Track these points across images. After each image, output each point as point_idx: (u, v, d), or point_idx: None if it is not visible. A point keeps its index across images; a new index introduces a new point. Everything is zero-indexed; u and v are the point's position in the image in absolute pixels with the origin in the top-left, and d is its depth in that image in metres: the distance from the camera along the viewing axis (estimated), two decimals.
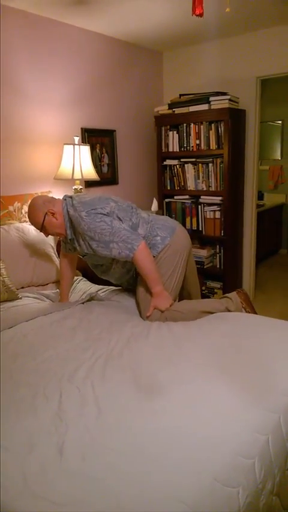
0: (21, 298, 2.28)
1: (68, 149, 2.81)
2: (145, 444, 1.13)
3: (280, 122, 5.52)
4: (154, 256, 2.08)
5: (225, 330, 1.79)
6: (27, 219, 2.80)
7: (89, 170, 2.86)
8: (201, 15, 1.69)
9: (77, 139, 2.87)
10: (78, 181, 2.90)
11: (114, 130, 3.53)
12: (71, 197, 2.12)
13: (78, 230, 2.02)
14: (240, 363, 1.52)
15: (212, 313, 2.04)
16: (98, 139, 3.39)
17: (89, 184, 3.30)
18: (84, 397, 1.35)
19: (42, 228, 2.11)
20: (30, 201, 2.23)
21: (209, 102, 3.38)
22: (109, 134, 3.49)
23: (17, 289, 2.35)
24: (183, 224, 3.80)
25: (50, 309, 2.08)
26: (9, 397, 1.36)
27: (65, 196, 2.15)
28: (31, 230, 2.60)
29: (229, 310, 2.04)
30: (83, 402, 1.33)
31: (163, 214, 3.84)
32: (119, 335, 1.77)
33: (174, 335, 1.78)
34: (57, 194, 3.06)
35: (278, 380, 1.42)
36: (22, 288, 2.43)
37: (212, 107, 3.38)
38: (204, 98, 3.40)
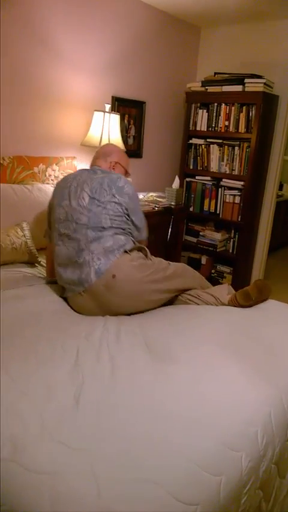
0: (40, 261, 2.31)
1: (98, 116, 2.81)
2: (156, 403, 1.18)
3: None
4: None
5: (232, 312, 1.84)
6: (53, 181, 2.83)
7: (116, 140, 2.85)
8: None
9: (108, 107, 2.86)
10: None
11: (144, 102, 3.50)
12: None
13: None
14: (249, 344, 1.56)
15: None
16: (127, 109, 3.37)
17: None
18: (99, 354, 1.40)
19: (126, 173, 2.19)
20: (108, 145, 2.26)
21: (243, 84, 3.33)
22: (139, 105, 3.46)
23: (38, 250, 2.37)
24: (201, 205, 3.81)
25: None
26: (30, 348, 1.41)
27: None
28: None
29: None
30: (98, 358, 1.38)
31: (183, 193, 3.84)
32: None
33: (183, 312, 1.82)
34: (82, 160, 3.07)
35: (280, 360, 1.47)
36: (41, 249, 2.46)
37: (246, 89, 3.33)
38: (238, 79, 3.35)
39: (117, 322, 1.66)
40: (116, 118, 2.85)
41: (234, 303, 1.94)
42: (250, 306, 1.95)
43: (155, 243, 2.69)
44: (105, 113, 2.78)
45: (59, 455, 0.97)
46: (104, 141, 2.76)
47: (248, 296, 1.92)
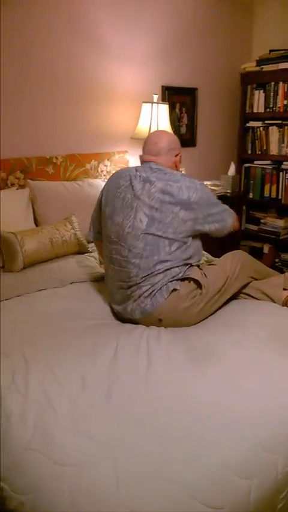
0: (91, 251, 2.37)
1: (146, 107, 2.78)
2: (189, 400, 1.15)
3: None
4: None
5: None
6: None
7: (166, 130, 2.80)
8: None
9: (156, 97, 2.82)
10: None
11: (196, 89, 3.39)
12: None
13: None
14: None
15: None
16: (179, 98, 3.29)
17: None
18: (138, 350, 1.39)
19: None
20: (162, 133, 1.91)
21: None
22: (190, 92, 3.37)
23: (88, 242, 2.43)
24: (262, 191, 3.62)
25: None
26: (71, 342, 1.44)
27: None
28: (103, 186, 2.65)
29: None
30: (136, 354, 1.37)
31: (241, 180, 3.68)
32: None
33: (235, 308, 1.75)
34: (134, 154, 3.07)
35: None
36: (89, 242, 2.51)
37: None
38: None
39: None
40: (164, 108, 2.81)
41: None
42: None
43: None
44: (153, 104, 2.75)
45: (83, 448, 0.98)
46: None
47: None
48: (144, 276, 1.59)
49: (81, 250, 2.35)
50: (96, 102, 2.84)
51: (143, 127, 2.78)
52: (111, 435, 1.02)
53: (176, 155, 1.81)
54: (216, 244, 1.89)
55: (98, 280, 2.02)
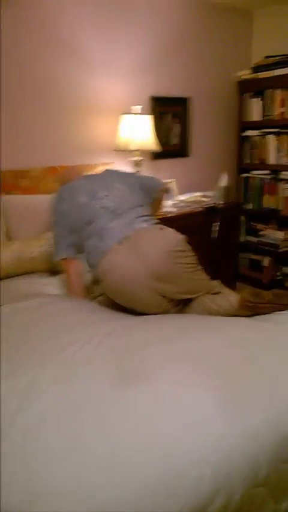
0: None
1: (126, 118, 2.73)
2: (97, 435, 1.05)
3: None
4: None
5: (234, 326, 1.59)
6: None
7: (148, 141, 2.74)
8: None
9: (137, 108, 2.76)
10: (137, 153, 2.81)
11: (189, 98, 3.31)
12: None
13: None
14: (242, 366, 1.32)
15: None
16: (169, 108, 3.23)
17: (156, 156, 3.17)
18: (64, 371, 1.32)
19: None
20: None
21: None
22: (182, 102, 3.30)
23: None
24: (259, 202, 3.47)
25: None
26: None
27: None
28: None
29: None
30: (62, 376, 1.29)
31: (240, 190, 3.55)
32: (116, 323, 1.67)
33: (176, 325, 1.63)
34: (119, 165, 3.02)
35: (275, 390, 1.21)
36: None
37: None
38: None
39: (103, 332, 1.55)
40: (147, 119, 2.75)
41: (242, 302, 1.68)
42: (262, 308, 1.67)
43: (198, 245, 2.51)
44: (134, 115, 2.70)
45: None
46: (133, 144, 2.68)
47: (258, 294, 1.66)
48: None
49: (51, 269, 2.28)
50: (79, 114, 2.82)
51: (124, 138, 2.73)
52: (19, 466, 0.95)
53: None
54: (202, 259, 1.81)
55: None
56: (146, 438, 1.04)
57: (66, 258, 1.94)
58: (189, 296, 1.76)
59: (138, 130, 2.69)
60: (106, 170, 2.16)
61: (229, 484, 0.98)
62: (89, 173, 2.41)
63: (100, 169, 2.87)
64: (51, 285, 2.12)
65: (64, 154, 2.79)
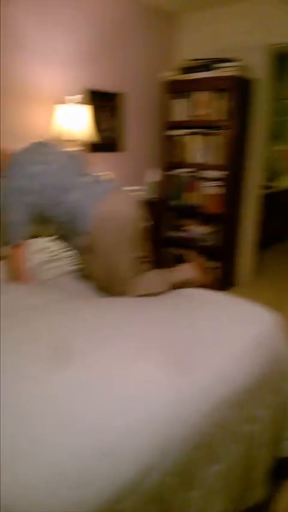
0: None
1: (61, 108, 2.70)
2: (35, 413, 1.04)
3: None
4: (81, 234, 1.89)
5: (171, 303, 1.70)
6: None
7: (83, 132, 2.74)
8: None
9: (74, 98, 2.75)
10: (73, 143, 2.78)
11: (121, 93, 3.37)
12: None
13: None
14: (175, 336, 1.41)
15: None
16: (104, 102, 3.25)
17: (94, 148, 3.16)
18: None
19: None
20: None
21: (215, 68, 3.18)
22: (115, 97, 3.34)
23: None
24: (182, 198, 3.66)
25: None
26: None
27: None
28: None
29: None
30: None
31: (166, 187, 3.71)
32: (64, 305, 1.67)
33: (111, 305, 1.69)
34: None
35: (208, 354, 1.32)
36: None
37: (219, 74, 3.18)
38: (210, 64, 3.21)
39: (43, 315, 1.52)
40: (84, 110, 2.74)
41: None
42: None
43: None
44: (69, 105, 2.68)
45: None
46: (68, 134, 2.66)
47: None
48: None
49: None
50: (15, 100, 2.71)
51: (59, 128, 2.69)
52: None
53: None
54: None
55: None
56: (79, 412, 1.04)
57: (19, 243, 1.87)
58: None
59: (75, 120, 2.67)
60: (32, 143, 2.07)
61: (170, 447, 1.04)
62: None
63: None
64: None
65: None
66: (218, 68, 3.17)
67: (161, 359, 1.26)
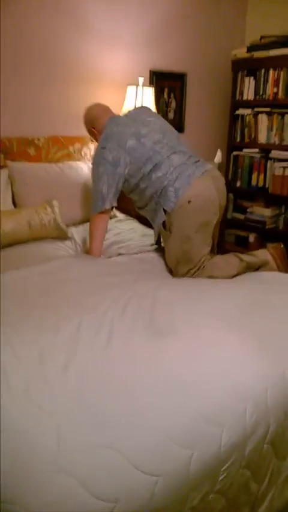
0: (70, 237, 2.36)
1: (131, 90, 2.76)
2: (145, 378, 1.15)
3: None
4: (169, 214, 1.95)
5: (250, 287, 1.73)
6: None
7: None
8: None
9: (141, 80, 2.80)
10: None
11: (186, 74, 3.37)
12: (112, 120, 2.07)
13: None
14: (261, 318, 1.46)
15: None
16: (167, 83, 3.27)
17: None
18: (100, 326, 1.40)
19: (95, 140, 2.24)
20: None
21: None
22: (179, 78, 3.34)
23: (68, 226, 2.42)
24: (249, 180, 3.61)
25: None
26: (35, 316, 1.45)
27: (111, 117, 2.12)
28: (84, 168, 2.65)
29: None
30: (98, 330, 1.38)
31: (229, 168, 3.68)
32: (148, 282, 1.77)
33: (200, 287, 1.75)
34: None
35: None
36: (74, 225, 2.51)
37: None
38: (286, 41, 3.09)
39: (129, 294, 1.63)
40: (149, 91, 2.79)
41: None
42: None
43: None
44: (138, 87, 2.73)
45: (30, 416, 0.99)
46: None
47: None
48: None
49: (61, 236, 2.33)
50: (82, 84, 2.82)
51: (129, 109, 2.75)
52: (59, 406, 1.04)
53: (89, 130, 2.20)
54: None
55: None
56: (190, 377, 1.15)
57: (107, 210, 2.01)
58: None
59: (143, 102, 2.73)
60: (129, 111, 2.21)
61: (266, 417, 1.12)
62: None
63: None
64: (63, 249, 2.18)
65: (67, 124, 2.79)
66: None
67: (249, 340, 1.33)
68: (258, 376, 1.18)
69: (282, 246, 2.14)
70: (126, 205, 2.86)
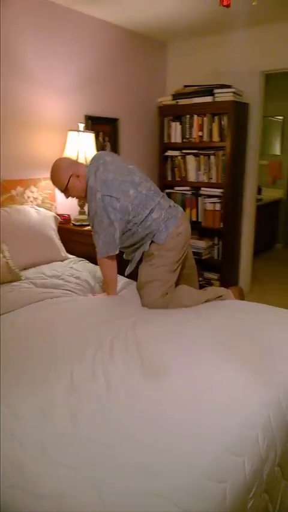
0: (23, 279, 2.30)
1: (72, 135, 2.82)
2: (154, 415, 1.16)
3: (281, 117, 5.56)
4: (159, 245, 2.17)
5: (225, 314, 1.85)
6: (30, 204, 2.83)
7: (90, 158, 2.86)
8: (228, 5, 1.71)
9: (82, 126, 2.88)
10: None
11: (118, 119, 3.54)
12: (97, 162, 2.15)
13: (89, 199, 2.13)
14: (241, 344, 1.56)
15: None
16: (101, 127, 3.40)
17: None
18: (94, 373, 1.37)
19: (65, 190, 2.20)
20: (54, 162, 2.24)
21: (213, 94, 3.40)
22: (112, 122, 3.50)
23: (20, 270, 2.36)
24: None
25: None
26: (21, 374, 1.37)
27: (93, 158, 2.20)
28: (31, 212, 2.62)
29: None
30: (93, 377, 1.35)
31: None
32: (124, 320, 1.79)
33: (174, 319, 1.83)
34: None
35: (276, 360, 1.48)
36: (25, 269, 2.44)
37: (216, 99, 3.40)
38: (208, 90, 3.43)
39: (110, 336, 1.63)
40: (90, 137, 2.88)
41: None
42: None
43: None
44: (79, 133, 2.80)
45: (62, 477, 0.94)
46: (81, 160, 2.78)
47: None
48: None
49: (14, 279, 2.27)
50: (23, 129, 2.81)
51: (70, 154, 2.80)
52: (85, 459, 1.00)
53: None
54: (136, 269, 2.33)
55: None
56: (203, 412, 1.18)
57: (114, 255, 2.16)
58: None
59: (83, 147, 2.80)
60: (98, 156, 2.23)
61: (274, 440, 1.19)
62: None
63: (44, 183, 2.89)
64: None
65: (7, 168, 2.74)
66: (215, 93, 3.38)
67: (240, 368, 1.41)
68: (261, 403, 1.25)
69: (241, 288, 2.46)
70: (75, 245, 2.87)
